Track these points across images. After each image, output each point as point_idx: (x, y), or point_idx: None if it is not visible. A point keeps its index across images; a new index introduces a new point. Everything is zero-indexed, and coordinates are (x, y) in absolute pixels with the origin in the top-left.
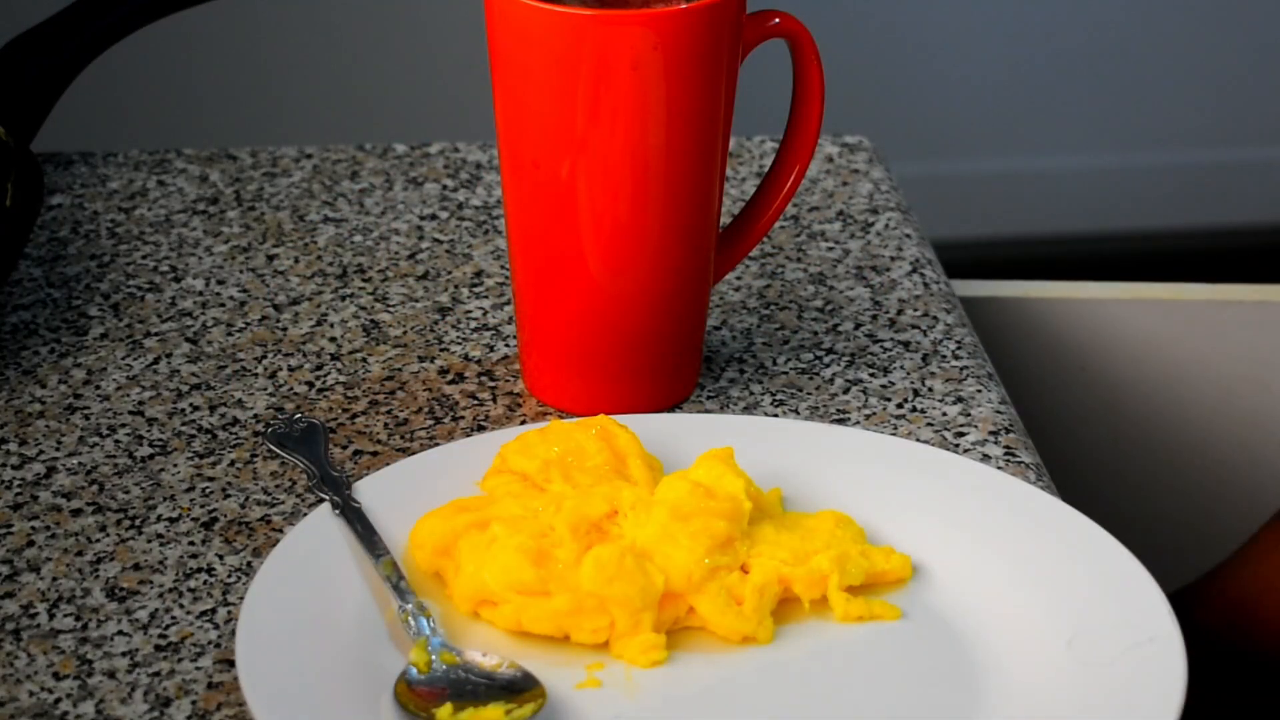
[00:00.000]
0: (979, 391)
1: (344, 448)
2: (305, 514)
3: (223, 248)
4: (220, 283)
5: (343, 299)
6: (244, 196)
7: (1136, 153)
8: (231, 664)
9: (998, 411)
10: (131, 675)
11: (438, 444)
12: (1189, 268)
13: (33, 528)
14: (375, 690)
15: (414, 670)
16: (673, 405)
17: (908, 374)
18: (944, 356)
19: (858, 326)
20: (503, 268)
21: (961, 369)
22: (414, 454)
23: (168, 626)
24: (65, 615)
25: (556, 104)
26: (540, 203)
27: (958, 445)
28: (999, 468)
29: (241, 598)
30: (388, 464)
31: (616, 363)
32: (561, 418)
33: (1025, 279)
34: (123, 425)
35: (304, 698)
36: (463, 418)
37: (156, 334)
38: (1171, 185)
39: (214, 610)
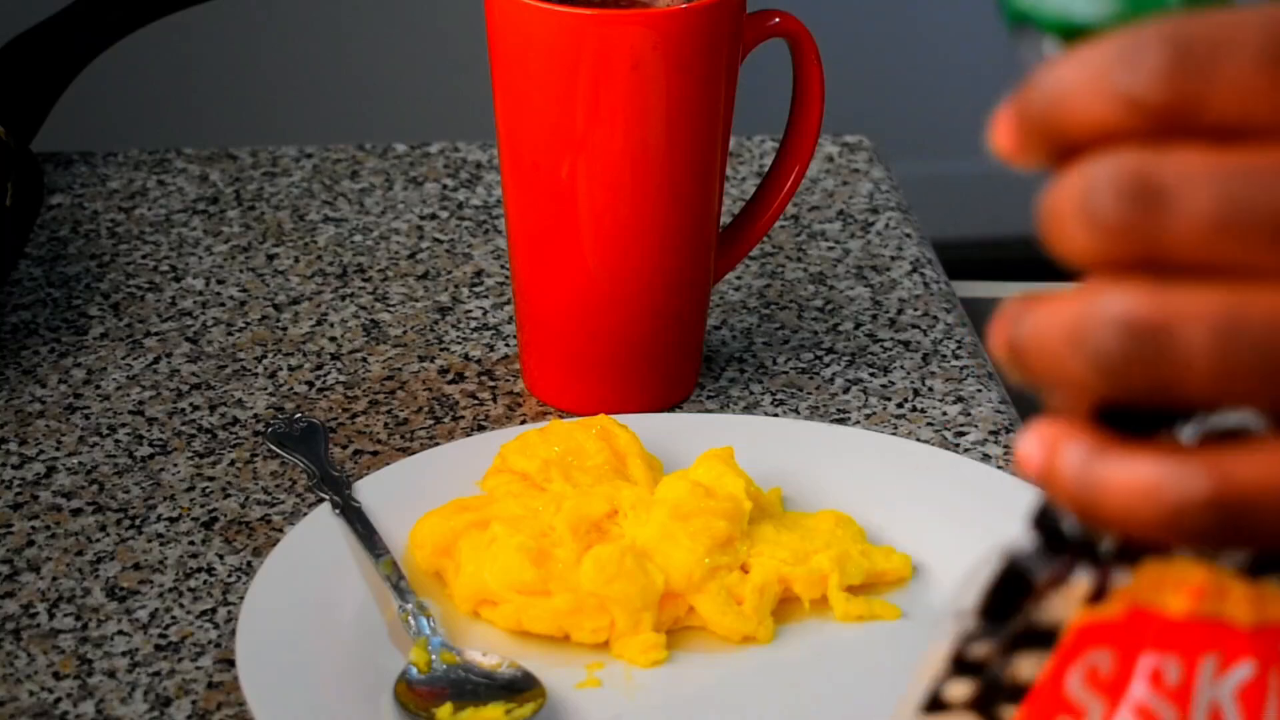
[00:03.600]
0: (979, 391)
1: (344, 448)
2: (305, 514)
3: (223, 247)
4: (220, 282)
5: (343, 299)
6: (244, 196)
7: None
8: (231, 664)
9: (998, 411)
10: (131, 675)
11: (438, 444)
12: None
13: (33, 527)
14: (375, 690)
15: (414, 670)
16: (673, 405)
17: (908, 374)
18: (944, 356)
19: (858, 326)
20: (503, 268)
21: (961, 369)
22: (414, 454)
23: (168, 626)
24: (65, 615)
25: (556, 104)
26: (540, 203)
27: (958, 445)
28: (999, 468)
29: (241, 598)
30: (388, 464)
31: (616, 363)
32: (561, 418)
33: (1025, 279)
34: (123, 425)
35: (304, 698)
36: (463, 417)
37: (156, 334)
38: None
39: (214, 610)
